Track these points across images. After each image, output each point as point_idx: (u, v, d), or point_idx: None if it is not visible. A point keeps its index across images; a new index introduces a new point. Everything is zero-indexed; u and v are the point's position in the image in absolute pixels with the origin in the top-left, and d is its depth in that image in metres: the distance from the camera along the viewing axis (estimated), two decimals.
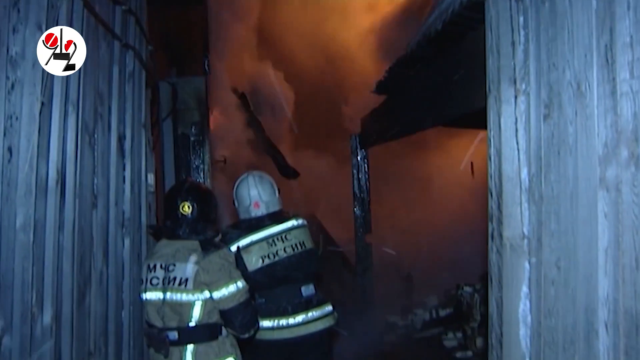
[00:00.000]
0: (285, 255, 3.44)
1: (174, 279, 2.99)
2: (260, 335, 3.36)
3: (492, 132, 2.55)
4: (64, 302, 2.48)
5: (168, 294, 3.00)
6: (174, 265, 3.01)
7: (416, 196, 9.11)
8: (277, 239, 3.47)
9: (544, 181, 2.20)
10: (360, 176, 7.18)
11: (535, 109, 2.25)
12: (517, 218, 2.37)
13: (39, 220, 2.20)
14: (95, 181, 2.93)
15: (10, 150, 2.04)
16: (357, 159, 7.22)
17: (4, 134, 2.01)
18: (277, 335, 3.42)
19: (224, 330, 3.07)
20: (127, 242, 3.48)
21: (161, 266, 3.05)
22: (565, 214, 2.05)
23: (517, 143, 2.38)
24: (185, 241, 3.06)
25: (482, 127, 2.73)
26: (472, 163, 8.47)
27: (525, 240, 2.34)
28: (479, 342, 6.25)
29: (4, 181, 2.02)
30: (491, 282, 2.55)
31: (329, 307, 3.57)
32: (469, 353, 6.32)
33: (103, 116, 3.01)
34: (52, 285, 2.32)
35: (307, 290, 3.52)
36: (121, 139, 3.35)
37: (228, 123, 8.43)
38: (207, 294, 2.97)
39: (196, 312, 2.99)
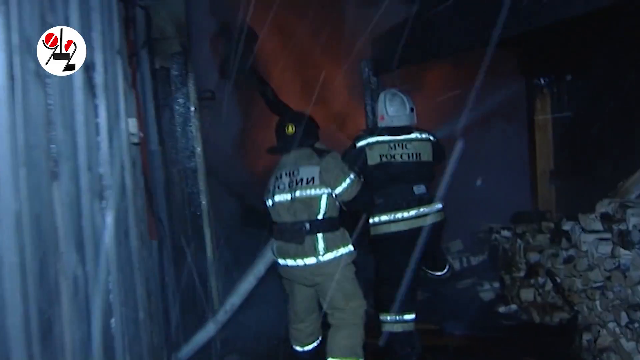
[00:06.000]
0: (400, 160, 4.17)
1: (301, 179, 3.79)
2: (379, 230, 4.18)
3: None
4: None
5: (298, 192, 3.78)
6: (298, 169, 3.83)
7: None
8: (397, 145, 4.18)
9: None
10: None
11: None
12: None
13: None
14: (53, 135, 1.86)
15: None
16: (371, 88, 6.12)
17: None
18: (394, 228, 4.14)
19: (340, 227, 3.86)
20: (108, 218, 2.44)
21: (286, 173, 3.88)
22: None
23: None
24: (298, 151, 3.89)
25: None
26: None
27: None
28: (524, 294, 5.42)
29: None
30: None
31: (439, 205, 4.25)
32: (513, 307, 5.50)
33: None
34: None
35: (419, 189, 4.19)
36: (89, 68, 2.24)
37: (214, 53, 7.18)
38: (329, 189, 3.76)
39: (323, 204, 3.76)
